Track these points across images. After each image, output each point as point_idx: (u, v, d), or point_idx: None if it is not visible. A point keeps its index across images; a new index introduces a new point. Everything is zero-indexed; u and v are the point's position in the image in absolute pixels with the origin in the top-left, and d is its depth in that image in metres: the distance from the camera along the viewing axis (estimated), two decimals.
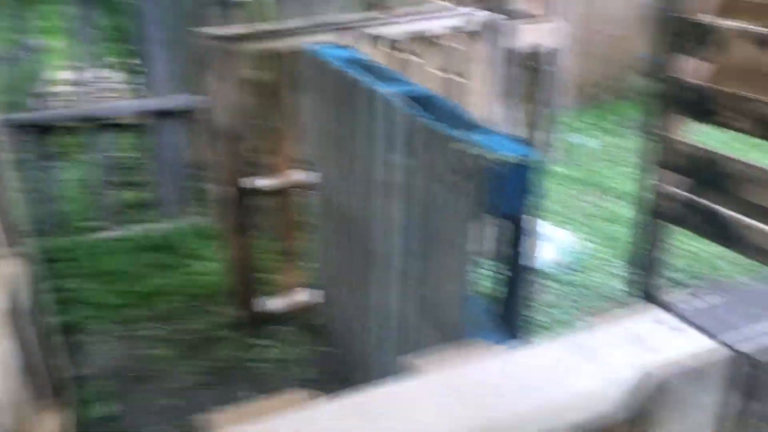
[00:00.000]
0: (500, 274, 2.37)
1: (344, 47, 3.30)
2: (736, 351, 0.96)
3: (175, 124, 4.72)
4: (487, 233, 4.18)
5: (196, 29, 4.18)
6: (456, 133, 2.13)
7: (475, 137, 2.09)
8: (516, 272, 2.20)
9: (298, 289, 3.78)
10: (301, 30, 3.29)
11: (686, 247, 4.25)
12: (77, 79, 6.47)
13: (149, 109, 4.60)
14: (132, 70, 5.06)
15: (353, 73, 2.80)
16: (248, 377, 3.23)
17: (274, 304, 3.70)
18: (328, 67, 2.97)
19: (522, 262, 2.17)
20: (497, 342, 1.76)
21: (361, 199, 2.85)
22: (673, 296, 1.07)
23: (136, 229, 4.51)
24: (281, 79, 3.41)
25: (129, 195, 5.09)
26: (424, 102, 2.63)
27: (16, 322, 2.39)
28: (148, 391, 3.18)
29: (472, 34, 3.73)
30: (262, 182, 3.54)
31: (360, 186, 2.85)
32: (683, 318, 1.01)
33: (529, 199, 2.03)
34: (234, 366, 3.32)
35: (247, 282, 3.55)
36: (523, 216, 2.07)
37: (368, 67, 3.03)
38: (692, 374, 0.93)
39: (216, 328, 3.58)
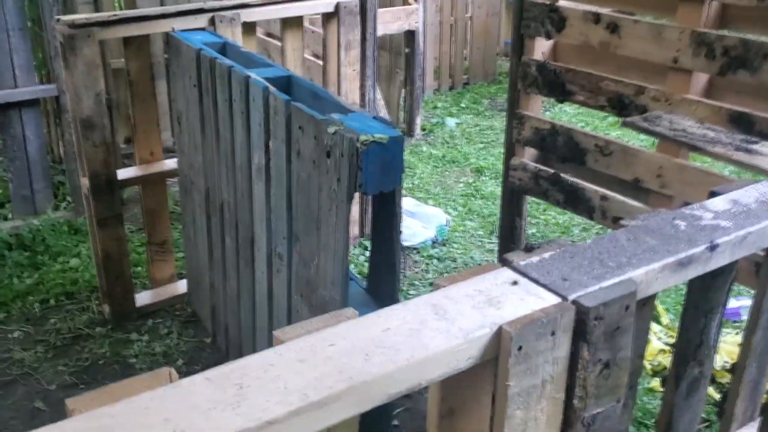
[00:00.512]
0: (374, 251, 2.43)
1: (208, 32, 3.24)
2: (575, 302, 1.05)
3: (30, 116, 4.47)
4: (359, 212, 4.26)
5: (55, 16, 3.98)
6: (321, 114, 2.16)
7: (340, 118, 2.13)
8: (389, 249, 2.26)
9: (172, 280, 3.70)
10: (164, 15, 3.20)
11: (556, 220, 4.50)
12: None
13: (3, 100, 4.32)
14: None
15: (217, 57, 2.76)
16: (122, 374, 3.14)
17: (148, 297, 3.61)
18: (191, 52, 2.91)
19: (394, 238, 2.24)
20: None
21: (231, 184, 2.82)
22: (520, 256, 1.15)
23: None
24: (144, 65, 3.31)
25: None
26: (287, 84, 2.64)
27: None
28: (17, 396, 3.02)
29: (336, 18, 3.75)
30: (127, 172, 3.43)
31: (229, 171, 2.82)
32: (527, 275, 1.09)
33: (396, 177, 2.09)
34: (108, 363, 3.21)
35: (118, 276, 3.43)
36: (392, 194, 2.13)
37: (232, 52, 3.00)
38: (537, 326, 1.01)
39: (88, 326, 3.44)
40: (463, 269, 3.99)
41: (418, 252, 4.12)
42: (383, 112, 5.38)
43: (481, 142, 5.87)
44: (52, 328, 3.43)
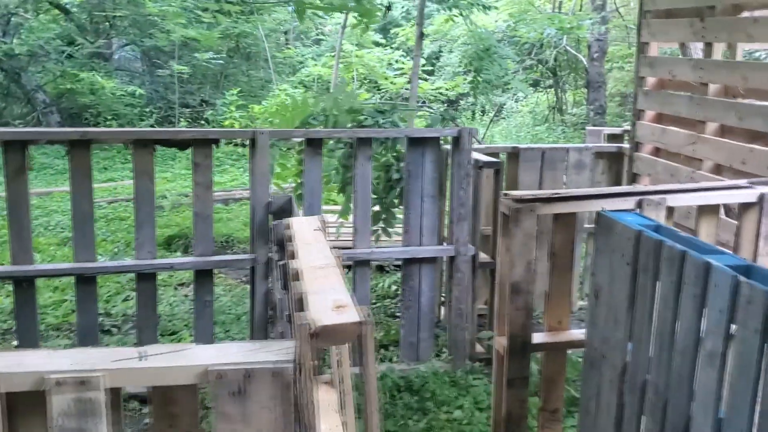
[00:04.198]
0: None
1: (635, 213, 3.37)
2: None
3: (427, 271, 4.97)
4: None
5: (463, 187, 4.46)
6: None
7: None
8: None
9: None
10: (596, 196, 3.43)
11: None
12: (344, 223, 7.05)
13: (410, 255, 4.89)
14: (388, 219, 5.42)
15: (664, 240, 2.84)
16: None
17: None
18: (628, 232, 3.04)
19: None
20: None
21: (663, 365, 2.79)
22: None
23: (390, 368, 4.67)
24: (568, 239, 3.53)
25: (383, 334, 5.34)
26: (746, 273, 2.59)
27: None
28: None
29: (758, 207, 3.67)
30: (539, 337, 3.59)
31: (663, 352, 2.80)
32: None
33: None
34: None
35: None
36: None
37: (668, 234, 3.07)
38: None
39: None
40: None
41: None
42: None
43: None
44: None
